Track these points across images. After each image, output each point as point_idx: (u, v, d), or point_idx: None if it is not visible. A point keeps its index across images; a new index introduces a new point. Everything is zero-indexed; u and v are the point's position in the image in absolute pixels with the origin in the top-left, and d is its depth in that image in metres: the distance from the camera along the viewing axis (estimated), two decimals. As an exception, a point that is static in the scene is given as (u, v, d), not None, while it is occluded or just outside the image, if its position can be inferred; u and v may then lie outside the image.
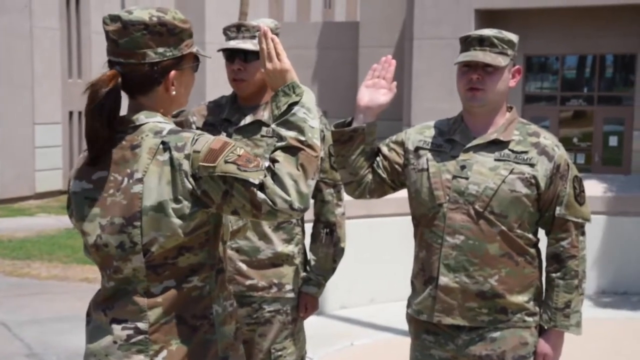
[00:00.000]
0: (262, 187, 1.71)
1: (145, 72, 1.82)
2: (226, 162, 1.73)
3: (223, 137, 1.91)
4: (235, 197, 1.73)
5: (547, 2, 15.74)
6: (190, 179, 1.75)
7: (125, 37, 1.81)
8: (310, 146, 1.77)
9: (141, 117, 1.84)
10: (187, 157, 1.76)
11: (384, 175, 2.55)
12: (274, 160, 1.74)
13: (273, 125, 1.82)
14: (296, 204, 1.71)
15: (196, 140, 1.78)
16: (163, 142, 1.79)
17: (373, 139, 2.51)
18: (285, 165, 1.73)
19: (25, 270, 8.34)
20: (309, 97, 1.84)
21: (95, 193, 1.83)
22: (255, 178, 1.71)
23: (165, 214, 1.75)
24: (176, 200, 1.76)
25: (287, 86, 1.83)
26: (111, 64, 1.85)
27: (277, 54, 1.86)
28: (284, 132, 1.78)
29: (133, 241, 1.78)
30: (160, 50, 1.83)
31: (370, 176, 2.54)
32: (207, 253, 1.85)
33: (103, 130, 1.79)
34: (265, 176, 1.71)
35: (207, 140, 1.78)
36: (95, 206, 1.83)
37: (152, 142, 1.80)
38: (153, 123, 1.84)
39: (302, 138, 1.77)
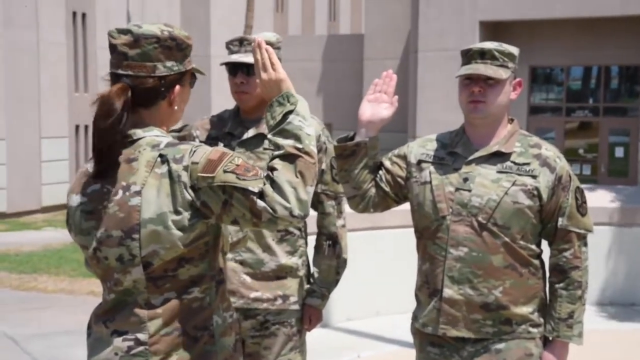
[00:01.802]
0: (261, 195, 1.71)
1: (152, 85, 1.84)
2: (225, 171, 1.74)
3: (221, 147, 1.92)
4: (235, 206, 1.73)
5: (551, 14, 15.74)
6: (190, 190, 1.76)
7: (136, 49, 1.82)
8: (307, 153, 1.78)
9: (138, 131, 1.85)
10: (186, 168, 1.77)
11: (387, 189, 2.56)
12: (272, 169, 1.75)
13: (269, 135, 1.83)
14: (296, 211, 1.72)
15: (194, 151, 1.79)
16: (161, 155, 1.80)
17: (376, 153, 2.52)
18: (284, 173, 1.74)
19: (32, 284, 8.35)
20: (303, 105, 1.85)
21: (90, 206, 1.84)
22: (254, 186, 1.72)
23: (165, 226, 1.76)
24: (176, 212, 1.76)
25: (282, 96, 1.85)
26: (117, 77, 1.85)
27: (272, 64, 1.87)
28: (281, 140, 1.79)
29: (132, 254, 1.79)
30: (169, 64, 1.85)
31: (373, 190, 2.55)
32: (207, 264, 1.86)
33: (119, 144, 1.80)
34: (264, 184, 1.72)
35: (205, 152, 1.79)
36: (90, 219, 1.84)
37: (149, 156, 1.81)
38: (150, 137, 1.85)
39: (300, 145, 1.78)
